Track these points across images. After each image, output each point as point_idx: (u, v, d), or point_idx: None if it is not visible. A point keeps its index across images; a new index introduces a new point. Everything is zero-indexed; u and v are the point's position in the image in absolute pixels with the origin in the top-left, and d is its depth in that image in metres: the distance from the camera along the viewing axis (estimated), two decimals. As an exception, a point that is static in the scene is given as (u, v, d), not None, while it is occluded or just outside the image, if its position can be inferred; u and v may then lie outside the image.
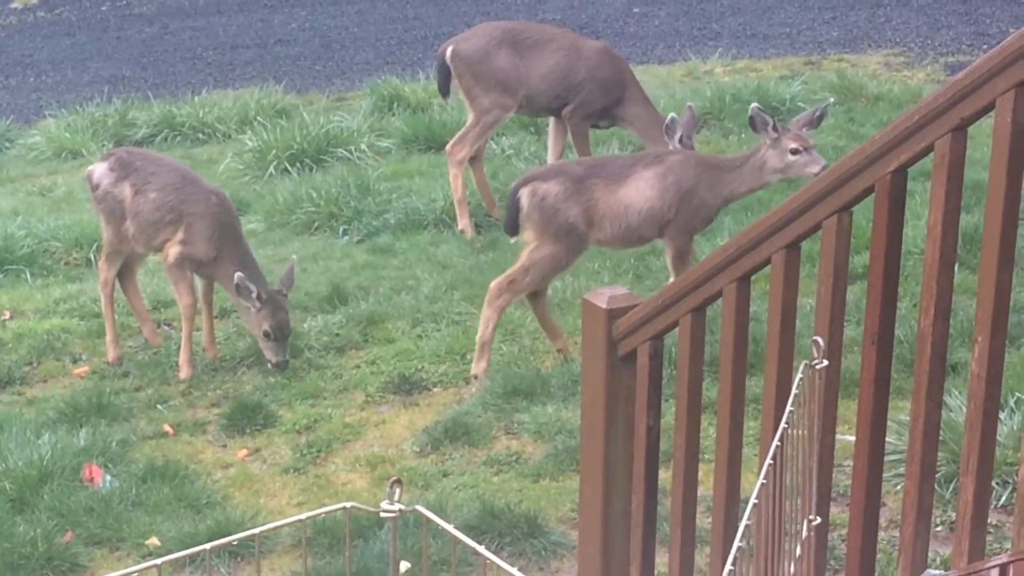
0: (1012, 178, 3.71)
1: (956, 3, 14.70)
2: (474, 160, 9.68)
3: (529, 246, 7.57)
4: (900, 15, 14.40)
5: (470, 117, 9.61)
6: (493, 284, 7.56)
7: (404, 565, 5.83)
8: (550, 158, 9.82)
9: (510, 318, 8.19)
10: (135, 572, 1.92)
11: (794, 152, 7.37)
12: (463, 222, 9.51)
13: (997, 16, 13.73)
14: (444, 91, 9.93)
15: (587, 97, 9.43)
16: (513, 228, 7.83)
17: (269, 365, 7.80)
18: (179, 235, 7.86)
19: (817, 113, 7.75)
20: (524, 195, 7.62)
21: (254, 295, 7.63)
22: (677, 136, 8.45)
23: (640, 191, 7.54)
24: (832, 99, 9.50)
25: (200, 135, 12.11)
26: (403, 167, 10.89)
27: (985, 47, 11.47)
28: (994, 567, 3.79)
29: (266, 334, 7.73)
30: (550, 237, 7.51)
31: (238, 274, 7.57)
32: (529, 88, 9.49)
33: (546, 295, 7.67)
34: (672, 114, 8.54)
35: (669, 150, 8.17)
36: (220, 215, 7.96)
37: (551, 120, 9.85)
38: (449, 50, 9.59)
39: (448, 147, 9.62)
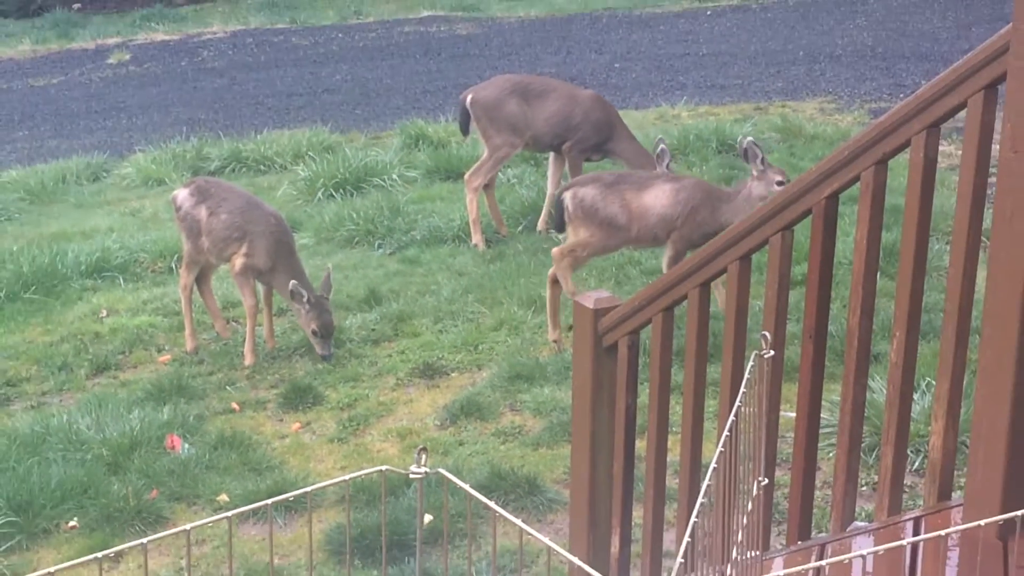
0: (924, 202, 3.72)
1: (878, 60, 14.72)
2: (487, 187, 9.73)
3: (578, 236, 7.73)
4: (832, 70, 14.41)
5: (485, 152, 9.66)
6: (555, 250, 7.84)
7: (428, 517, 5.84)
8: (549, 187, 9.83)
9: (513, 316, 8.21)
10: (209, 522, 1.92)
11: (779, 183, 7.43)
12: (477, 238, 9.54)
13: (912, 70, 13.75)
14: (464, 131, 9.97)
15: (583, 135, 9.51)
16: (560, 226, 8.03)
17: (319, 356, 7.81)
18: (243, 249, 7.91)
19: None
20: (567, 198, 7.82)
21: (305, 300, 7.67)
22: (665, 162, 8.59)
23: (659, 198, 7.70)
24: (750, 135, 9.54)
25: (261, 167, 12.11)
26: (427, 193, 10.90)
27: (902, 95, 11.49)
28: (909, 520, 3.79)
29: (314, 332, 7.77)
30: (595, 227, 7.70)
31: (292, 282, 7.62)
32: (535, 130, 9.56)
33: (559, 292, 7.73)
34: (663, 145, 8.66)
35: (685, 174, 8.33)
36: (277, 233, 8.00)
37: (551, 155, 9.88)
38: (469, 97, 9.68)
39: (466, 177, 9.70)
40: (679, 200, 7.69)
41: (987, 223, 3.62)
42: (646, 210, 7.71)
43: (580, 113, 9.56)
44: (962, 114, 3.63)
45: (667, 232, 7.71)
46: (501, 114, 9.56)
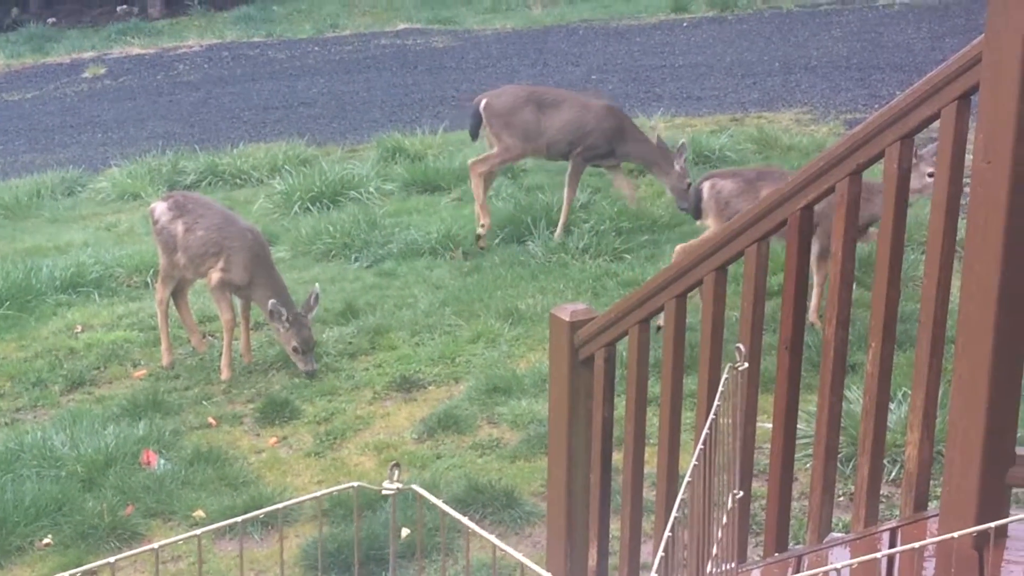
0: (899, 213, 3.72)
1: (853, 71, 14.76)
2: (485, 181, 9.83)
3: (713, 227, 7.71)
4: (808, 80, 14.45)
5: (496, 148, 9.78)
6: (678, 247, 7.96)
7: (404, 531, 5.82)
8: (566, 194, 9.93)
9: (490, 328, 8.22)
10: (181, 540, 1.91)
11: (930, 175, 7.05)
12: (485, 220, 9.66)
13: (887, 81, 13.79)
14: (474, 135, 10.12)
15: (593, 142, 9.67)
16: (697, 214, 8.18)
17: (303, 373, 7.82)
18: (220, 264, 7.90)
19: None
20: (705, 188, 7.99)
21: (284, 318, 7.67)
22: (683, 158, 9.21)
23: None
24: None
25: (238, 180, 12.09)
26: (404, 206, 10.90)
27: (877, 106, 11.47)
28: (885, 531, 3.79)
29: (295, 350, 7.77)
30: (724, 221, 7.64)
31: (271, 301, 7.65)
32: (548, 138, 9.70)
33: None
34: (683, 140, 9.34)
35: None
36: (254, 248, 7.99)
37: (570, 165, 9.95)
38: (484, 102, 9.82)
39: (470, 162, 9.89)
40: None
41: (961, 233, 3.63)
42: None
43: (592, 122, 9.70)
44: (936, 124, 3.64)
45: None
46: (517, 120, 9.71)
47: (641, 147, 9.73)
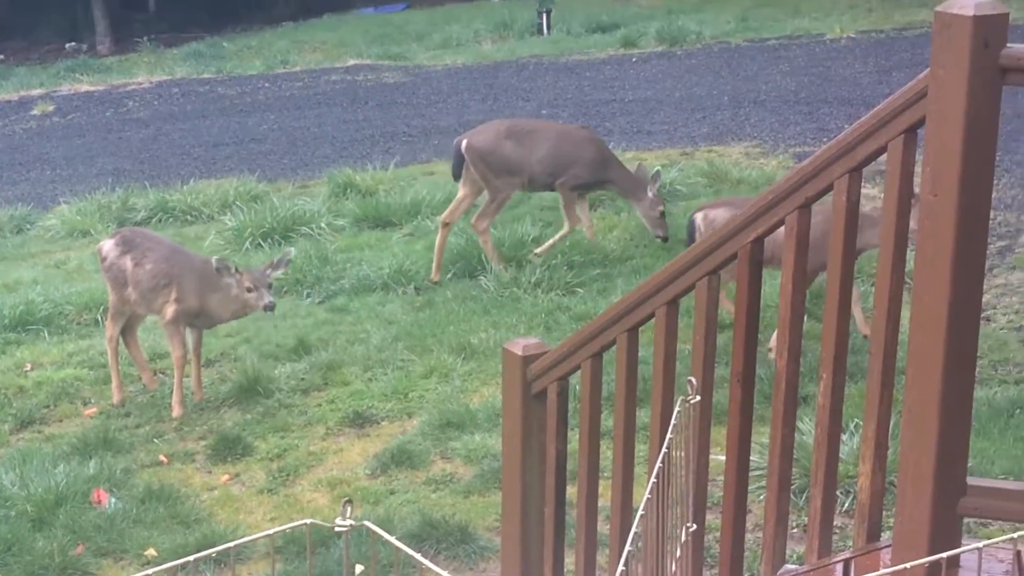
0: (848, 245, 3.75)
1: (801, 105, 14.86)
2: (446, 226, 9.80)
3: None
4: (757, 114, 14.54)
5: (487, 196, 9.75)
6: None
7: (359, 568, 5.79)
8: (587, 227, 10.10)
9: (443, 363, 8.21)
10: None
11: None
12: (497, 266, 9.69)
13: (834, 115, 13.89)
14: (456, 175, 10.05)
15: (577, 172, 9.73)
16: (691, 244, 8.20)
17: (264, 311, 7.85)
18: (173, 295, 7.86)
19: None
20: (699, 219, 8.12)
21: (232, 269, 7.77)
22: (656, 185, 9.38)
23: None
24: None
25: (189, 217, 12.03)
26: (355, 241, 10.88)
27: (825, 140, 11.58)
28: (839, 562, 3.80)
29: (248, 289, 7.72)
30: None
31: (215, 258, 7.84)
32: (530, 170, 9.72)
33: None
34: (658, 168, 9.55)
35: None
36: (202, 271, 7.94)
37: (561, 197, 10.04)
38: (464, 143, 9.80)
39: (473, 221, 9.83)
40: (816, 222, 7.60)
41: (910, 265, 3.65)
42: (772, 238, 7.66)
43: (573, 151, 9.77)
44: (884, 157, 3.67)
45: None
46: (498, 157, 9.70)
47: (623, 175, 9.81)
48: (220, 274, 7.73)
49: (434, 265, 9.79)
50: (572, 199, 9.82)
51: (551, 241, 9.90)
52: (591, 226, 10.18)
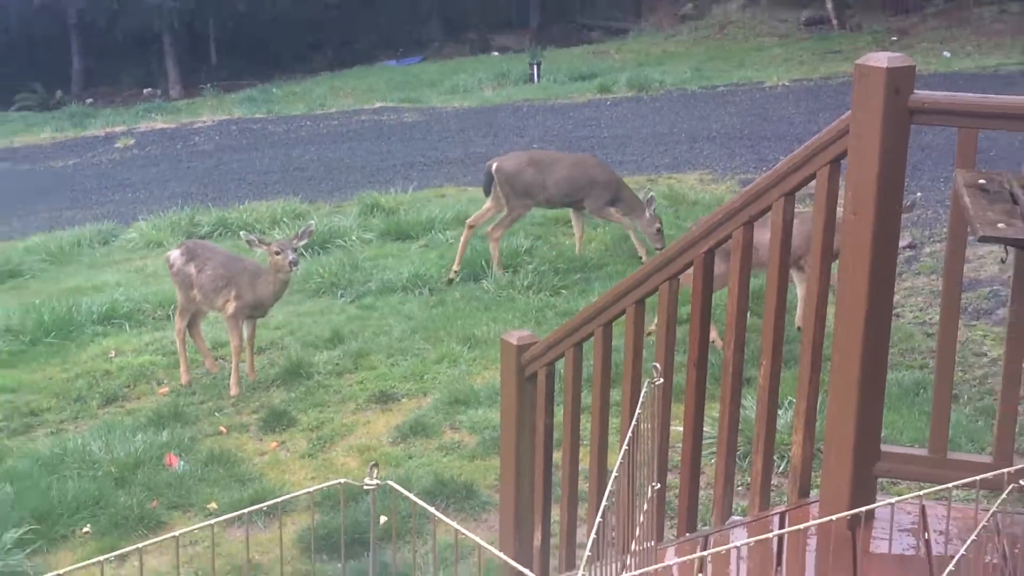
0: (783, 256, 3.75)
1: (745, 140, 14.88)
2: (471, 228, 9.87)
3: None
4: (708, 148, 14.56)
5: (506, 211, 9.80)
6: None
7: (383, 519, 5.79)
8: (578, 241, 10.10)
9: (452, 351, 8.21)
10: (200, 527, 1.88)
11: None
12: (498, 270, 9.72)
13: (772, 148, 13.90)
14: (487, 191, 10.06)
15: (597, 193, 9.73)
16: None
17: (290, 268, 7.74)
18: (232, 293, 7.86)
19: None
20: None
21: (261, 240, 7.84)
22: (652, 207, 9.37)
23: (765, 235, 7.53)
24: None
25: (244, 232, 12.05)
26: (380, 251, 10.88)
27: (764, 169, 11.57)
28: (775, 514, 3.80)
29: (276, 252, 7.69)
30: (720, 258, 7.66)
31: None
32: (548, 192, 9.76)
33: None
34: (652, 194, 9.55)
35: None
36: (251, 271, 7.93)
37: (571, 210, 10.16)
38: (495, 165, 9.86)
39: (488, 230, 9.88)
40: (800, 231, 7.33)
41: (835, 271, 3.65)
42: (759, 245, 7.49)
43: (586, 177, 9.76)
44: (813, 183, 3.67)
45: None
46: (519, 181, 9.72)
47: (627, 195, 9.80)
48: (251, 245, 7.78)
49: (456, 259, 9.81)
50: (606, 212, 9.82)
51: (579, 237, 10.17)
52: (581, 239, 10.18)
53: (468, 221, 10.01)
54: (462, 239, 9.88)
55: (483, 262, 9.90)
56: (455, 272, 9.78)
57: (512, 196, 9.74)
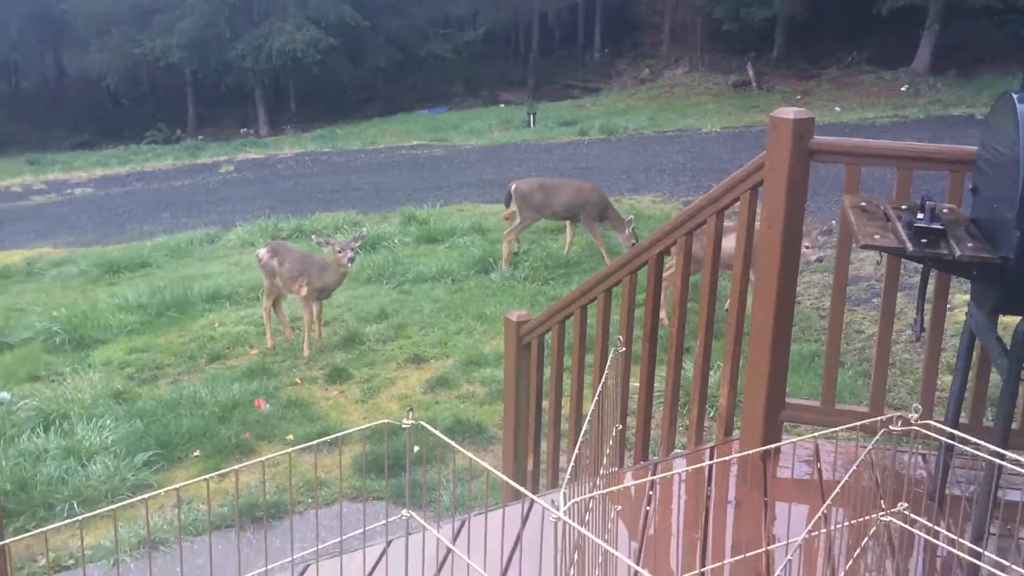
0: (714, 258, 3.74)
1: (687, 172, 14.87)
2: (508, 240, 9.88)
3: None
4: (660, 177, 14.54)
5: (517, 220, 9.82)
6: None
7: (416, 448, 5.80)
8: (567, 245, 10.03)
9: (468, 326, 8.21)
10: (281, 454, 1.88)
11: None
12: (505, 265, 9.69)
13: (708, 178, 13.90)
14: (507, 204, 10.10)
15: (589, 210, 9.67)
16: None
17: (348, 263, 7.70)
18: (305, 282, 7.87)
19: None
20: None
21: (328, 240, 7.82)
22: (631, 226, 9.32)
23: (730, 243, 7.37)
24: None
25: (314, 235, 12.05)
26: (416, 251, 10.88)
27: (702, 192, 11.56)
28: (707, 449, 3.80)
29: (338, 251, 7.69)
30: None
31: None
32: (553, 209, 9.76)
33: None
34: (631, 216, 9.49)
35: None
36: (319, 264, 7.93)
37: (567, 222, 10.08)
38: (514, 186, 9.89)
39: (504, 234, 9.97)
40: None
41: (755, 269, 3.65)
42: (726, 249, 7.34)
43: (582, 199, 9.69)
44: (738, 204, 3.66)
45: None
46: (530, 200, 9.72)
47: (613, 214, 9.75)
48: (321, 245, 7.79)
49: (504, 257, 9.86)
50: (595, 227, 9.76)
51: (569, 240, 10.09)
52: (571, 243, 10.15)
53: (505, 214, 10.19)
54: (504, 250, 9.98)
55: (491, 260, 9.90)
56: (515, 252, 9.97)
57: (524, 210, 9.72)
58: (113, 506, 1.54)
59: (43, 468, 5.83)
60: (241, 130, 30.33)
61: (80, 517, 1.58)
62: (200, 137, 29.16)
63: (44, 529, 1.49)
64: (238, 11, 29.83)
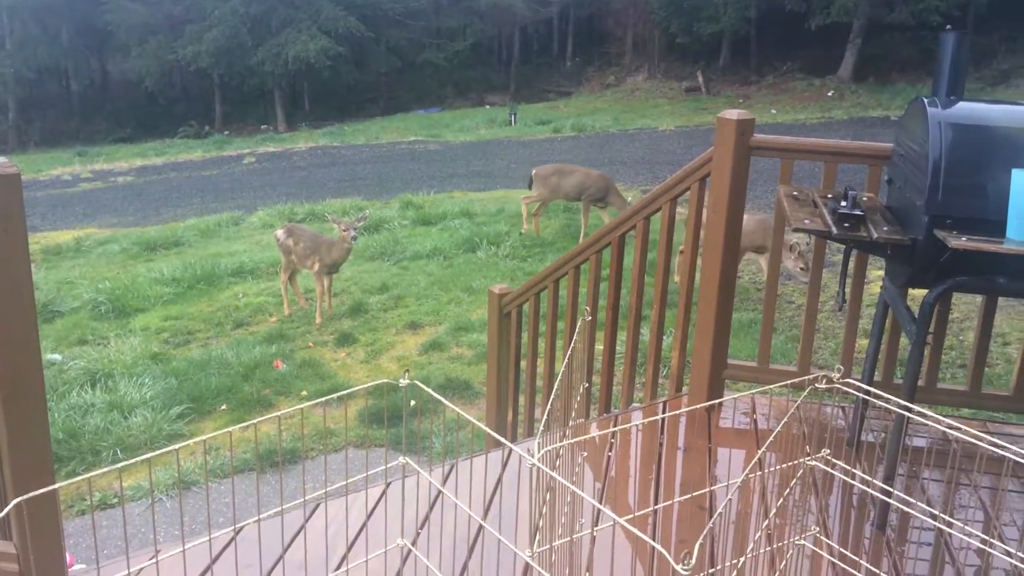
0: (668, 238, 3.71)
1: (645, 164, 14.83)
2: (535, 216, 9.89)
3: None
4: (623, 169, 14.48)
5: (533, 197, 9.86)
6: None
7: (412, 403, 5.79)
8: (583, 226, 9.88)
9: (458, 297, 8.18)
10: (296, 409, 1.86)
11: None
12: (525, 227, 9.82)
13: (664, 170, 13.87)
14: (530, 186, 10.06)
15: (591, 193, 9.59)
16: None
17: (352, 240, 7.64)
18: (317, 259, 7.82)
19: None
20: None
21: (335, 219, 7.81)
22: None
23: (748, 223, 7.07)
24: None
25: (324, 219, 12.01)
26: (412, 232, 10.82)
27: (658, 182, 11.55)
28: (660, 403, 3.81)
29: (343, 229, 7.65)
30: None
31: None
32: (565, 190, 9.70)
33: None
34: (630, 198, 9.55)
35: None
36: (328, 244, 7.88)
37: (581, 204, 9.93)
38: (535, 171, 9.92)
39: (523, 199, 10.06)
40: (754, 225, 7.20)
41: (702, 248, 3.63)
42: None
43: (590, 183, 9.62)
44: (689, 192, 3.64)
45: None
46: (547, 183, 9.72)
47: (618, 199, 9.66)
48: (329, 221, 7.77)
49: (524, 221, 9.92)
50: (588, 209, 9.76)
51: (583, 232, 9.92)
52: (585, 226, 9.90)
53: (523, 198, 10.13)
54: (523, 213, 10.04)
55: (477, 240, 9.85)
56: (524, 230, 9.98)
57: (542, 189, 9.71)
58: (149, 454, 1.52)
59: (90, 420, 5.79)
60: (261, 126, 30.01)
61: (120, 465, 1.56)
62: (226, 132, 28.83)
63: (89, 475, 1.47)
64: (259, 23, 29.54)
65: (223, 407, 6.17)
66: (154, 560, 2.36)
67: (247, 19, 29.21)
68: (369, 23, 30.24)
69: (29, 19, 29.51)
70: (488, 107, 29.12)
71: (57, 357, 7.08)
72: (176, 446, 1.68)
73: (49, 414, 5.50)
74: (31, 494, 1.56)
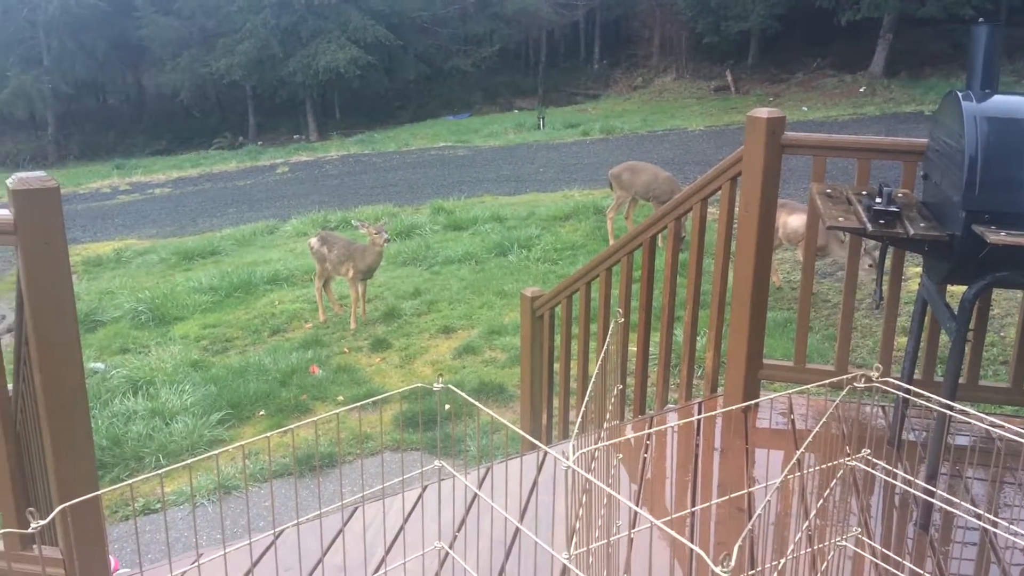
0: (700, 239, 3.69)
1: (676, 164, 14.70)
2: (614, 215, 9.71)
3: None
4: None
5: (614, 199, 9.64)
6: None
7: (447, 407, 5.81)
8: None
9: (490, 301, 8.19)
10: (332, 413, 1.87)
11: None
12: (612, 240, 9.44)
13: (695, 170, 13.76)
14: (610, 187, 9.88)
15: (658, 196, 9.38)
16: None
17: (383, 243, 7.68)
18: (351, 265, 7.86)
19: None
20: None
21: (366, 224, 7.80)
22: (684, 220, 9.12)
23: (800, 219, 7.32)
24: None
25: (354, 220, 12.06)
26: (444, 237, 10.86)
27: (688, 182, 11.48)
28: (696, 403, 3.78)
29: (375, 233, 7.68)
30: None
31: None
32: (636, 189, 9.51)
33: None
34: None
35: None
36: (361, 251, 7.92)
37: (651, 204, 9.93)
38: (611, 171, 9.74)
39: (607, 211, 9.83)
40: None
41: (734, 248, 3.60)
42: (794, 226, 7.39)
43: (657, 184, 9.46)
44: (720, 192, 3.61)
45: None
46: (620, 180, 9.55)
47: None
48: (358, 228, 7.79)
49: (610, 234, 9.67)
50: (656, 208, 9.54)
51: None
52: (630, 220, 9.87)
53: (607, 211, 9.90)
54: (608, 229, 9.74)
55: (508, 244, 9.85)
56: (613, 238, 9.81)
57: (617, 188, 9.60)
58: (190, 460, 1.54)
59: (133, 427, 5.87)
60: (294, 136, 30.31)
61: (162, 471, 1.58)
62: (259, 143, 29.15)
63: (132, 481, 1.49)
64: (289, 34, 29.87)
65: (261, 413, 6.22)
66: (196, 564, 2.39)
67: (277, 31, 29.55)
68: (397, 31, 30.44)
69: (66, 35, 30.10)
70: (517, 111, 29.15)
71: (100, 366, 7.20)
72: (216, 451, 1.70)
73: (93, 421, 5.59)
74: (75, 500, 1.58)
